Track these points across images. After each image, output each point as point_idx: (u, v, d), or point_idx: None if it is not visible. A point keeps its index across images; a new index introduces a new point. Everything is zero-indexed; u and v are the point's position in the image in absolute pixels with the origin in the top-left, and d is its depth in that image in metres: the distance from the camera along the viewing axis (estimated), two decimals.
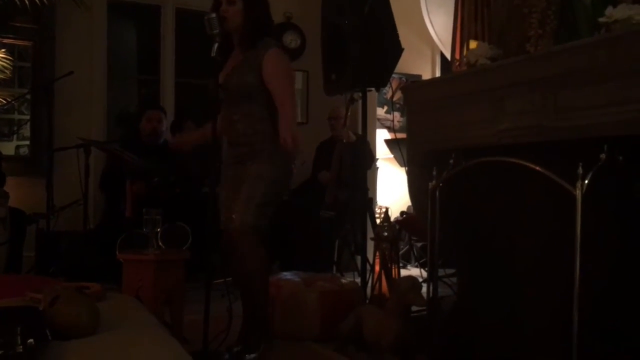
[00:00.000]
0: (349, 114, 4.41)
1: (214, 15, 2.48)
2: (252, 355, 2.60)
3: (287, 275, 3.36)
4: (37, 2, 4.21)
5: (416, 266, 5.38)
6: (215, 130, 2.45)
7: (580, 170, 1.83)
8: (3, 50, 4.42)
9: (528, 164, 2.06)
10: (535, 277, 2.43)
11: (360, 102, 3.61)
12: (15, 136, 4.86)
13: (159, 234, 3.06)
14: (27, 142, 4.86)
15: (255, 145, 2.62)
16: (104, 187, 4.45)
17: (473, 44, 2.66)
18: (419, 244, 5.40)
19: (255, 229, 2.53)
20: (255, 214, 2.52)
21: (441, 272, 3.84)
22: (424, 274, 4.41)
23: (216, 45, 2.45)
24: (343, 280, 3.42)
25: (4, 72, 4.36)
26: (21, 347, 1.36)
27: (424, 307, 2.60)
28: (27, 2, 4.17)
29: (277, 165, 2.60)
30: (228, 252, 2.72)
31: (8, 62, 4.37)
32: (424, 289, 2.58)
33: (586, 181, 1.83)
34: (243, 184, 2.60)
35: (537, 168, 2.00)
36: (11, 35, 4.67)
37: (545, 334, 2.30)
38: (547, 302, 2.32)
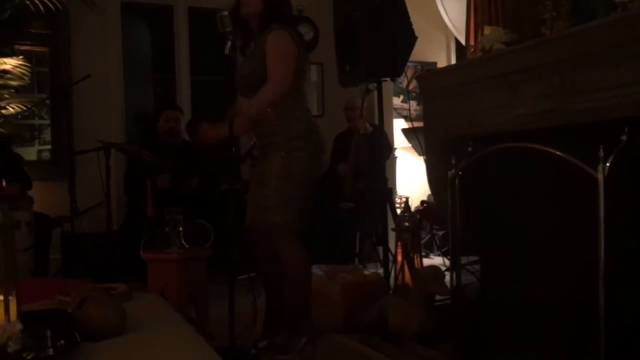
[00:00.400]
0: (365, 104, 4.41)
1: (226, 12, 2.48)
2: (287, 357, 2.59)
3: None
4: (52, 7, 4.25)
5: (439, 255, 5.36)
6: (232, 129, 2.42)
7: (601, 153, 1.81)
8: (21, 57, 4.47)
9: (548, 148, 2.03)
10: (559, 262, 2.41)
11: (375, 92, 3.60)
12: (36, 141, 4.93)
13: (181, 233, 3.10)
14: (49, 147, 4.92)
15: (270, 137, 2.58)
16: (128, 189, 4.50)
17: (487, 30, 2.64)
18: (440, 233, 5.38)
19: (286, 226, 2.51)
20: (280, 212, 2.50)
21: (464, 260, 3.83)
22: (447, 262, 4.40)
23: (229, 42, 2.46)
24: (365, 272, 3.43)
25: (23, 79, 4.41)
26: (51, 349, 1.38)
27: (448, 296, 2.60)
28: (41, 7, 4.21)
29: (291, 158, 2.54)
30: (256, 250, 2.71)
31: (26, 68, 4.42)
32: (447, 277, 2.58)
33: (608, 164, 1.81)
34: (265, 182, 2.57)
35: (557, 152, 1.98)
36: (28, 42, 4.73)
37: (570, 321, 2.28)
38: (572, 288, 2.30)
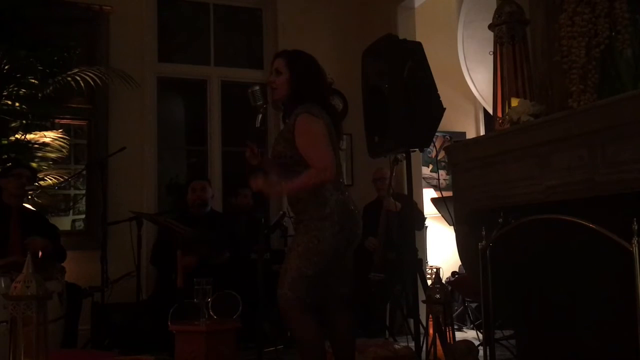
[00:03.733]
0: (393, 174, 4.43)
1: (257, 87, 2.56)
2: None
3: None
4: (92, 83, 4.43)
5: (472, 328, 5.21)
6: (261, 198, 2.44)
7: (635, 226, 1.77)
8: (60, 130, 4.64)
9: (580, 220, 2.00)
10: (596, 337, 2.33)
11: (404, 162, 3.62)
12: (71, 211, 5.03)
13: (210, 304, 3.09)
14: (83, 216, 5.01)
15: (300, 215, 2.61)
16: (155, 260, 4.53)
17: (514, 101, 2.66)
18: (473, 305, 5.25)
19: (295, 301, 2.50)
20: (292, 287, 2.49)
21: (499, 334, 3.72)
22: (480, 336, 4.27)
23: (260, 116, 2.52)
24: (396, 346, 3.34)
25: (61, 152, 4.56)
26: None
27: None
28: (82, 84, 4.39)
29: (314, 236, 2.52)
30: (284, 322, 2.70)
31: (65, 141, 4.58)
32: (481, 352, 2.50)
33: None
34: (288, 255, 2.60)
35: (591, 225, 1.95)
36: (68, 116, 4.91)
37: None
38: None
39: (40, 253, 3.17)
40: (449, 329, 3.19)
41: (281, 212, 4.65)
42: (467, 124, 6.40)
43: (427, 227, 5.63)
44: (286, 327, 2.68)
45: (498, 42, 3.02)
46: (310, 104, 2.58)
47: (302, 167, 2.53)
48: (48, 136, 4.50)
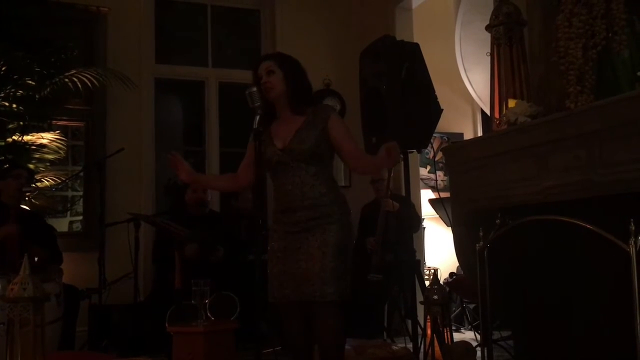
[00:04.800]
0: (391, 175, 4.43)
1: (254, 89, 2.55)
2: None
3: None
4: (89, 84, 4.43)
5: (470, 329, 5.21)
6: (261, 202, 2.44)
7: (632, 227, 1.78)
8: (57, 131, 4.63)
9: (577, 221, 2.01)
10: (595, 337, 2.33)
11: (402, 163, 3.62)
12: (68, 212, 5.02)
13: (208, 305, 3.08)
14: (80, 218, 5.01)
15: (322, 208, 2.55)
16: (157, 259, 4.53)
17: (512, 103, 2.66)
18: (471, 306, 5.25)
19: (339, 298, 2.47)
20: (336, 285, 2.46)
21: (496, 335, 3.72)
22: (479, 337, 4.28)
23: (258, 117, 2.52)
24: (394, 347, 3.34)
25: (59, 153, 4.55)
26: None
27: None
28: (80, 86, 4.39)
29: (344, 229, 2.55)
30: (287, 324, 2.66)
31: (62, 142, 4.57)
32: (479, 353, 2.50)
33: None
34: (312, 254, 2.51)
35: (588, 226, 1.95)
36: (65, 118, 4.91)
37: None
38: None
39: (36, 259, 3.17)
40: (446, 330, 3.19)
41: None
42: (465, 125, 6.41)
43: (424, 227, 5.64)
44: (283, 329, 2.65)
45: (495, 43, 3.02)
46: (325, 104, 2.66)
47: (324, 161, 2.61)
48: (45, 137, 4.49)
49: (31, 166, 4.29)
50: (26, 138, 4.38)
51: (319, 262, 2.48)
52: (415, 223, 4.80)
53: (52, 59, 4.47)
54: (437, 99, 3.43)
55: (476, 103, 5.93)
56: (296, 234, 2.56)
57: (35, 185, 4.32)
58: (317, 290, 2.45)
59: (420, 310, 3.63)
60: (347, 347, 3.20)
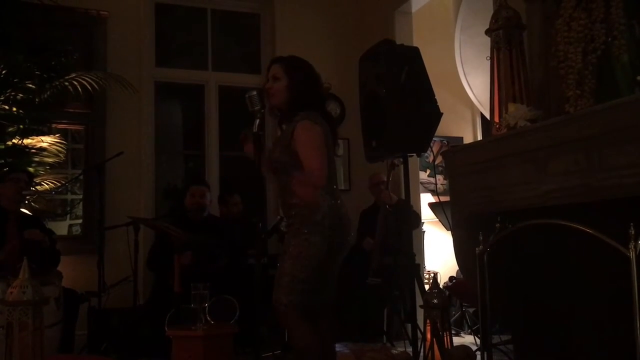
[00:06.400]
0: (390, 179, 4.43)
1: (254, 92, 2.56)
2: None
3: (336, 347, 3.30)
4: (89, 88, 4.43)
5: (469, 333, 5.20)
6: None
7: (632, 231, 1.78)
8: (57, 135, 4.63)
9: (577, 225, 2.01)
10: (595, 341, 2.33)
11: (401, 167, 3.62)
12: (68, 216, 5.02)
13: (207, 309, 3.08)
14: (80, 221, 5.01)
15: (292, 219, 2.60)
16: (151, 265, 4.52)
17: (511, 107, 2.67)
18: (471, 310, 5.24)
19: (289, 306, 2.48)
20: (286, 292, 2.48)
21: (496, 339, 3.72)
22: (478, 341, 4.27)
23: (257, 121, 2.52)
24: (394, 351, 3.34)
25: (59, 156, 4.55)
26: None
27: None
28: (80, 89, 4.39)
29: (306, 239, 2.52)
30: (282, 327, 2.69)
31: (62, 146, 4.57)
32: (479, 357, 2.49)
33: None
34: (282, 260, 2.58)
35: (587, 230, 1.95)
36: (65, 121, 4.91)
37: None
38: None
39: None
40: (446, 334, 3.19)
41: (278, 217, 4.64)
42: (465, 128, 6.41)
43: (424, 232, 5.63)
44: (284, 333, 2.66)
45: (495, 47, 3.03)
46: (310, 111, 2.59)
47: (292, 173, 2.55)
48: (45, 141, 4.49)
49: (31, 169, 4.29)
50: (26, 141, 4.39)
51: (280, 268, 2.54)
52: (414, 220, 4.79)
53: (52, 63, 4.48)
54: (436, 102, 3.42)
55: (476, 107, 5.93)
56: (287, 237, 2.64)
57: (35, 188, 4.32)
58: (275, 293, 2.50)
59: (420, 314, 3.62)
60: (346, 350, 3.21)
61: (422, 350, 3.41)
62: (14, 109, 4.30)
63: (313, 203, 2.53)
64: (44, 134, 4.54)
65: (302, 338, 2.54)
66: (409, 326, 3.96)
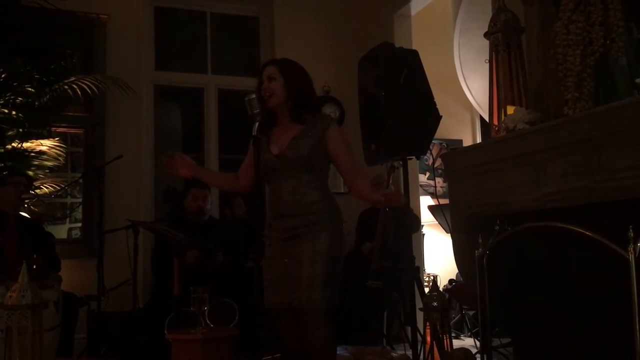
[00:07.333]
0: (390, 182, 4.43)
1: (253, 96, 2.55)
2: None
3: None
4: (89, 91, 4.43)
5: (469, 336, 5.20)
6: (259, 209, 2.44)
7: (631, 233, 1.78)
8: (57, 138, 4.63)
9: (576, 228, 2.01)
10: (594, 343, 2.33)
11: (401, 170, 3.62)
12: (67, 219, 5.01)
13: (206, 312, 3.07)
14: (79, 225, 5.00)
15: (312, 216, 2.55)
16: (155, 265, 4.52)
17: (510, 109, 2.67)
18: (471, 312, 5.24)
19: (326, 308, 2.46)
20: (324, 293, 2.45)
21: (496, 341, 3.71)
22: (478, 344, 4.27)
23: (257, 124, 2.52)
24: (393, 354, 3.34)
25: (58, 160, 4.55)
26: None
27: None
28: (79, 93, 4.39)
29: (335, 237, 2.55)
30: (281, 331, 2.66)
31: (61, 149, 4.57)
32: None
33: (639, 244, 1.77)
34: (301, 261, 2.51)
35: (586, 232, 1.95)
36: (64, 125, 4.91)
37: None
38: None
39: (34, 266, 3.17)
40: (446, 336, 3.18)
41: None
42: (464, 131, 6.42)
43: (424, 234, 5.63)
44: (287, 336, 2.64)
45: (494, 50, 3.03)
46: (326, 114, 2.65)
47: (317, 170, 2.60)
48: (45, 144, 4.49)
49: (30, 173, 4.29)
50: (25, 145, 4.39)
51: (307, 269, 2.48)
52: (414, 223, 4.79)
53: (52, 66, 4.48)
54: (436, 105, 3.43)
55: (475, 110, 5.94)
56: (287, 241, 2.57)
57: (34, 192, 4.32)
58: (304, 296, 2.46)
59: (420, 316, 3.62)
60: (345, 353, 3.20)
61: (422, 353, 3.41)
62: (14, 112, 4.30)
63: (334, 200, 2.62)
64: (43, 138, 4.53)
65: (330, 342, 2.52)
66: (408, 329, 3.96)
